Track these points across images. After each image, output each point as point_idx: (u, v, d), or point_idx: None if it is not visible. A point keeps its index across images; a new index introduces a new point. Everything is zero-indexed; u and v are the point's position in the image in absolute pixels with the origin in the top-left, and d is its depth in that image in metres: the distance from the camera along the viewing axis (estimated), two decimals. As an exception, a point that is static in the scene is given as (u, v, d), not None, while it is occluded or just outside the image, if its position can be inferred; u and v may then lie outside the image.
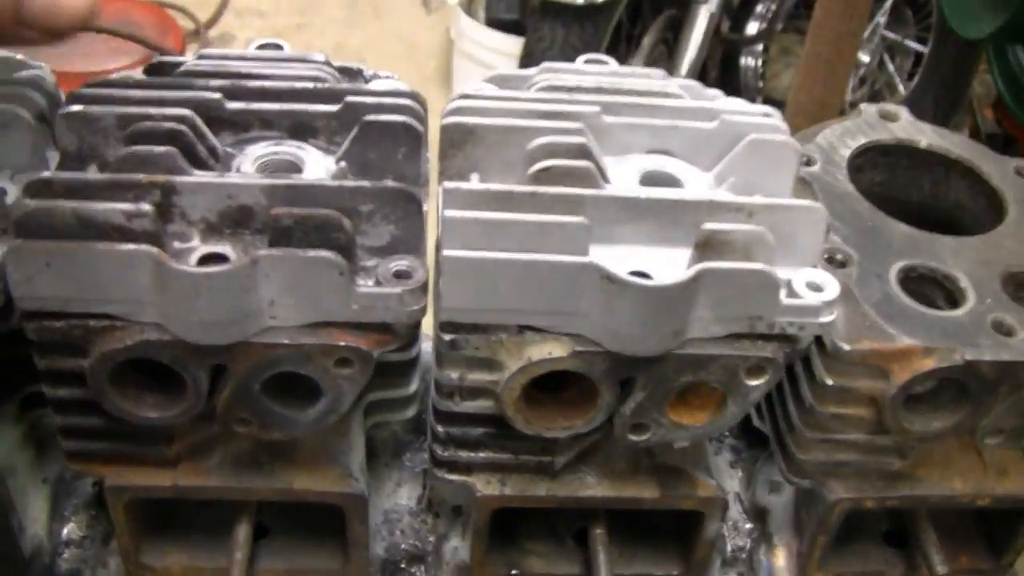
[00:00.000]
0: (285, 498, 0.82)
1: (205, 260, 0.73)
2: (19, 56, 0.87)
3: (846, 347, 0.81)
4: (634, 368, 0.77)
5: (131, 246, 0.70)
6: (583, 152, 0.79)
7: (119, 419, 0.77)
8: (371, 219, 0.75)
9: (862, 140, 1.01)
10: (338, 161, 0.79)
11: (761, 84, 3.58)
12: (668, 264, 0.78)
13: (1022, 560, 1.00)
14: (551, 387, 0.79)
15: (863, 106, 1.05)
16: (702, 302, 0.75)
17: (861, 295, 0.84)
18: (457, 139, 0.81)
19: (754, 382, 0.79)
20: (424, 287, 0.73)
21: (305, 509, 0.86)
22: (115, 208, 0.70)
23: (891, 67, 3.55)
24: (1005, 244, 0.91)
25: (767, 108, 0.89)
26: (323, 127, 0.82)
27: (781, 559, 0.95)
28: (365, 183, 0.74)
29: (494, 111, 0.82)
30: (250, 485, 0.82)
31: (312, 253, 0.70)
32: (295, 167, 0.80)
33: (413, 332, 0.76)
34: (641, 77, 0.92)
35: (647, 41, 3.14)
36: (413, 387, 0.87)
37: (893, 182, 1.04)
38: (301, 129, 0.82)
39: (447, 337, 0.75)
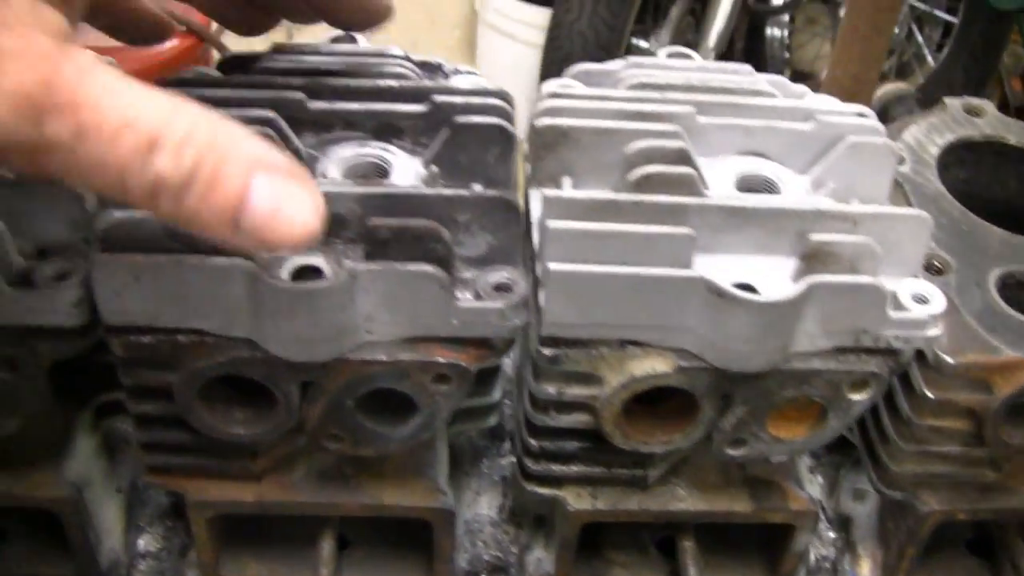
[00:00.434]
0: (373, 513, 0.80)
1: (299, 273, 0.70)
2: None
3: (950, 360, 0.78)
4: (737, 383, 0.75)
5: (224, 260, 0.66)
6: (683, 157, 0.76)
7: (204, 434, 0.75)
8: (468, 228, 0.72)
9: (950, 137, 0.97)
10: (428, 165, 0.76)
11: (787, 55, 3.53)
12: (768, 274, 0.76)
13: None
14: (648, 400, 0.77)
15: (947, 100, 1.02)
16: (810, 316, 0.72)
17: (961, 304, 0.82)
18: (550, 141, 0.78)
19: (857, 396, 0.77)
20: (526, 301, 0.70)
21: (386, 521, 0.84)
22: (206, 219, 0.67)
23: (920, 38, 3.49)
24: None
25: (861, 107, 0.86)
26: (409, 127, 0.79)
27: (866, 569, 0.93)
28: (464, 192, 0.71)
29: (588, 112, 0.79)
30: (337, 500, 0.80)
31: (413, 267, 0.67)
32: (382, 170, 0.76)
33: (510, 345, 0.74)
34: (729, 73, 0.89)
35: (675, 12, 3.08)
36: (496, 396, 0.85)
37: (977, 179, 1.01)
38: (386, 129, 0.79)
39: (548, 352, 0.72)
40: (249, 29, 0.83)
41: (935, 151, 0.95)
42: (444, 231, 0.69)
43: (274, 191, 0.54)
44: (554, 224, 0.70)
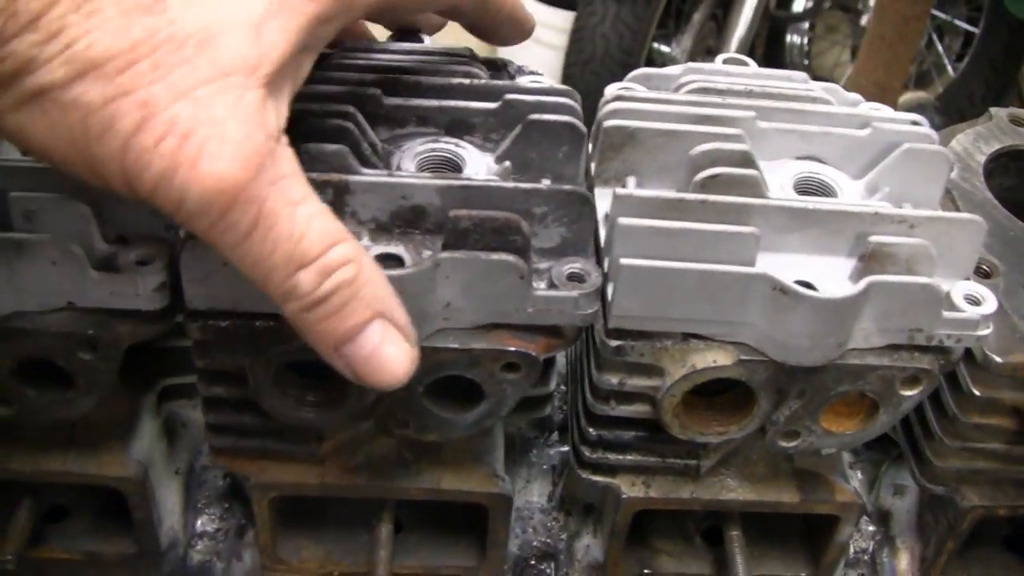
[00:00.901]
0: (432, 497, 0.82)
1: (378, 260, 0.72)
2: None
3: (998, 359, 0.81)
4: (793, 377, 0.77)
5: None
6: (747, 160, 0.79)
7: (273, 417, 0.77)
8: (543, 220, 0.74)
9: (996, 145, 1.00)
10: (500, 160, 0.79)
11: (807, 62, 3.55)
12: (826, 273, 0.78)
13: None
14: (705, 392, 0.79)
15: (993, 110, 1.04)
16: (867, 314, 0.75)
17: (1009, 306, 0.84)
18: (617, 142, 0.80)
19: (908, 392, 0.79)
20: (599, 291, 0.73)
21: (440, 506, 0.87)
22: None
23: (940, 47, 3.52)
24: None
25: (915, 116, 0.89)
26: (480, 124, 0.81)
27: (904, 562, 0.96)
28: (540, 185, 0.73)
29: (653, 114, 0.81)
30: (397, 484, 0.82)
31: (495, 256, 0.70)
32: (455, 165, 0.79)
33: (579, 335, 0.76)
34: (785, 80, 0.91)
35: (697, 17, 3.11)
36: (551, 386, 0.87)
37: (1021, 187, 1.03)
38: (457, 126, 0.81)
39: (613, 343, 0.75)
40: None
41: (981, 159, 0.98)
42: (523, 223, 0.71)
43: (384, 338, 0.63)
44: (624, 221, 0.72)
